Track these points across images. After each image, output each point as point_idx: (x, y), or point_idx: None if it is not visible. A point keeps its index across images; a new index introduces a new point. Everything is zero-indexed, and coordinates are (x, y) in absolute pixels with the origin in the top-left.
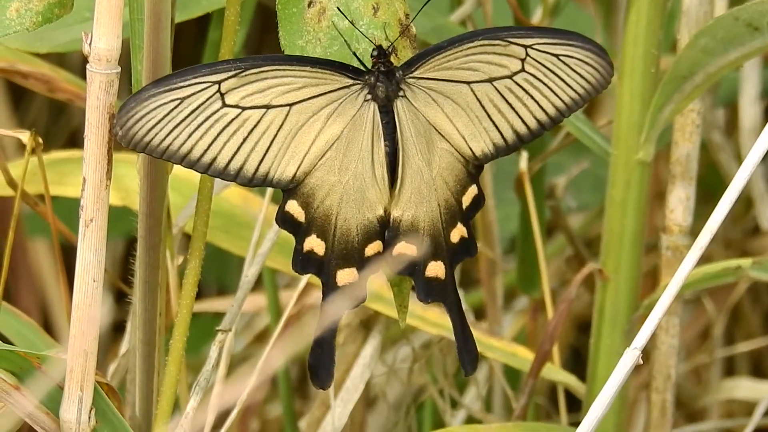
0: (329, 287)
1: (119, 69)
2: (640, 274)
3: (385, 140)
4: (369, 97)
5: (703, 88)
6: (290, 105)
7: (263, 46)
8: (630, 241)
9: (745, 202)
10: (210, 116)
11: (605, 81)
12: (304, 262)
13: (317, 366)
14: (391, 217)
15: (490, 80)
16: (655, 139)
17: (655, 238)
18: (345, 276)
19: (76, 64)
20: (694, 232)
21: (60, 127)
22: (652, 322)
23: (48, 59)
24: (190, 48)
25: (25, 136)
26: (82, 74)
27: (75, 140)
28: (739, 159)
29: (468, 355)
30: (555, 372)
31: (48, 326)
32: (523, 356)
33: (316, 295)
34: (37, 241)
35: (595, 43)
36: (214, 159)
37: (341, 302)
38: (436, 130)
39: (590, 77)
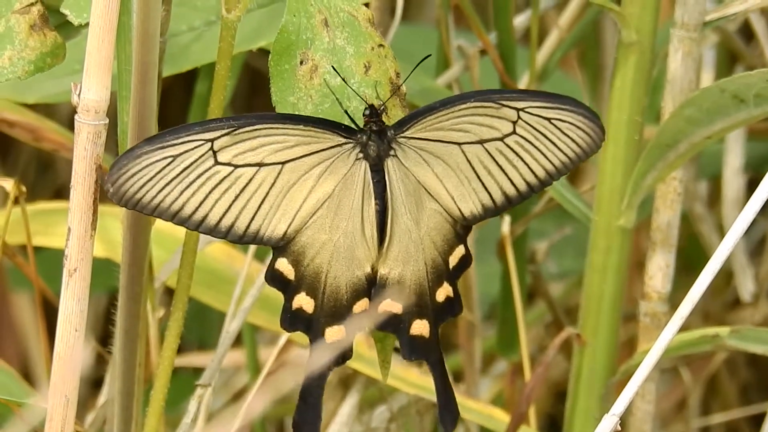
0: (317, 345)
1: (107, 120)
2: (618, 340)
3: (375, 199)
4: (360, 155)
5: (686, 157)
6: (282, 163)
7: (251, 109)
8: (609, 306)
9: (725, 275)
10: (202, 174)
11: (596, 145)
12: (292, 319)
13: (303, 423)
14: (378, 274)
15: (481, 142)
16: (636, 206)
17: (632, 307)
18: (333, 333)
19: (64, 115)
20: (672, 300)
21: (46, 181)
22: (631, 388)
23: (35, 110)
24: (178, 103)
25: (8, 184)
26: (69, 125)
27: (61, 195)
28: (720, 231)
29: (449, 414)
30: None
31: (28, 380)
32: (500, 419)
33: (296, 352)
34: (20, 295)
35: (587, 107)
36: (206, 216)
37: (328, 359)
38: (426, 190)
39: (581, 141)
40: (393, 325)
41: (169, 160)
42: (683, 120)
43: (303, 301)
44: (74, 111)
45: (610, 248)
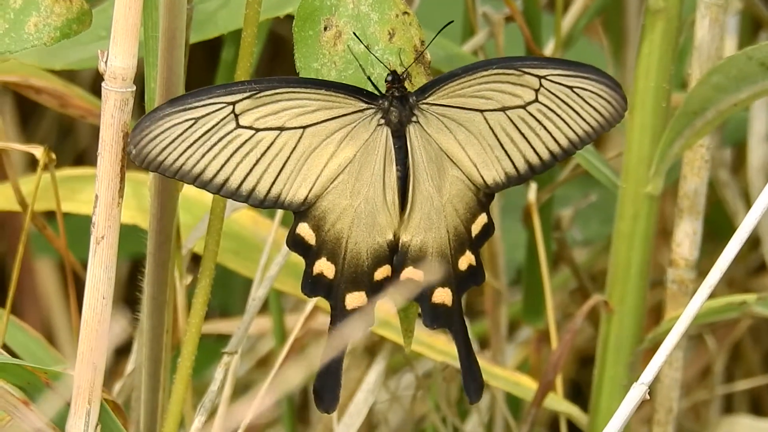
0: (337, 311)
1: (134, 87)
2: (645, 308)
3: (397, 165)
4: (382, 121)
5: (713, 125)
6: (304, 128)
7: (273, 74)
8: (636, 274)
9: (749, 240)
10: (224, 137)
11: (618, 115)
12: (313, 285)
13: (323, 390)
14: (400, 241)
15: (503, 109)
16: (664, 173)
17: (658, 274)
18: (354, 300)
19: (86, 80)
20: (699, 267)
21: (68, 146)
22: (660, 356)
23: (59, 76)
24: (201, 70)
25: (38, 151)
26: (91, 90)
27: (83, 160)
28: (746, 197)
29: (473, 383)
30: (558, 402)
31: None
32: (527, 385)
33: (322, 319)
34: (43, 260)
35: (609, 76)
36: (227, 180)
37: (349, 326)
38: (448, 157)
39: (604, 110)
40: (415, 293)
41: (191, 122)
42: (710, 87)
43: (324, 267)
44: (100, 77)
45: (637, 215)
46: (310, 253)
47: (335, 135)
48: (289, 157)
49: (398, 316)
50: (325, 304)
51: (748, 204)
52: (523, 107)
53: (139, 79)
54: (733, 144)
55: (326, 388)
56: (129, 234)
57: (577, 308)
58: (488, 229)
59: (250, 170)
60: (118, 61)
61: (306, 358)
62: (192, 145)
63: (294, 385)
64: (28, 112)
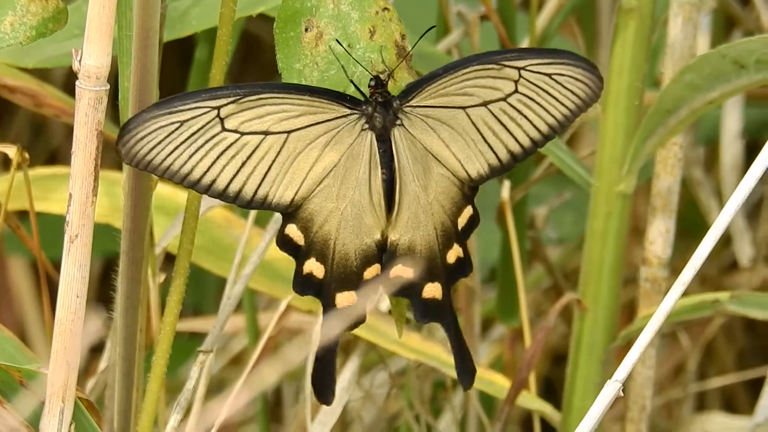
0: (329, 309)
1: (108, 86)
2: (618, 306)
3: (382, 168)
4: (366, 126)
5: (686, 123)
6: (288, 132)
7: (245, 75)
8: (609, 272)
9: (722, 238)
10: (209, 140)
11: (595, 95)
12: (303, 284)
13: (320, 383)
14: (389, 240)
15: (485, 104)
16: (637, 172)
17: (631, 273)
18: (344, 299)
19: (59, 78)
20: (672, 265)
21: (41, 145)
22: (633, 354)
23: (31, 74)
24: (174, 68)
25: (11, 150)
26: (65, 89)
27: (55, 159)
28: (719, 195)
29: (465, 373)
30: (531, 400)
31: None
32: (500, 384)
33: (296, 318)
34: (16, 260)
35: (585, 59)
36: (214, 181)
37: (340, 323)
38: (433, 156)
39: (581, 92)
40: (405, 290)
41: (177, 125)
42: (684, 86)
43: (313, 267)
44: (73, 76)
45: (610, 214)
46: (299, 254)
47: (319, 140)
48: (274, 160)
49: (390, 303)
50: (298, 302)
51: (721, 202)
52: (504, 99)
53: (113, 78)
54: (706, 142)
55: (323, 381)
56: (102, 232)
57: (550, 306)
58: (474, 221)
59: (237, 172)
60: (92, 60)
61: (280, 356)
62: (179, 146)
63: (268, 383)
64: (0, 110)
